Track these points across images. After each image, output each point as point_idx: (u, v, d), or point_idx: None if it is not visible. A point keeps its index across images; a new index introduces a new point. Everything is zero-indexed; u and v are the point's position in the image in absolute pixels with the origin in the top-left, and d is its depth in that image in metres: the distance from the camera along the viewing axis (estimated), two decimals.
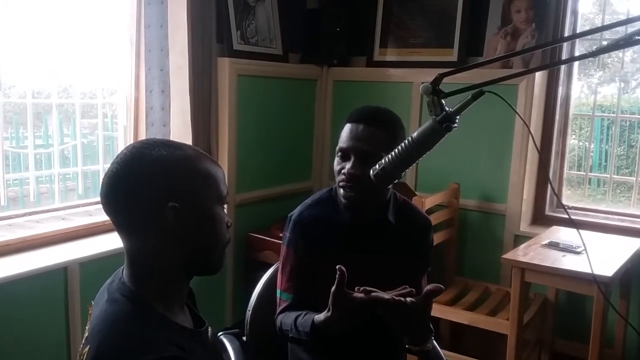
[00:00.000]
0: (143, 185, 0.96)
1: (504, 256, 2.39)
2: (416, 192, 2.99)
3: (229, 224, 1.08)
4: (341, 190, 1.51)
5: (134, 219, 0.98)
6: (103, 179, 1.00)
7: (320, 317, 1.34)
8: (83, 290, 2.27)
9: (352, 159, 1.47)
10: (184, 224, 0.98)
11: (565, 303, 2.91)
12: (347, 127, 1.50)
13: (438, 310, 2.60)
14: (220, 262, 1.07)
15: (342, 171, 1.49)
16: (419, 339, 1.31)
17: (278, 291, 1.59)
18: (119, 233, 1.01)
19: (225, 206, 1.10)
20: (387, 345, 1.59)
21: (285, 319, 1.50)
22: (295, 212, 1.59)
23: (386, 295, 1.24)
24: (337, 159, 1.52)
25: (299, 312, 1.47)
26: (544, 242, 2.47)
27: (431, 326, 1.35)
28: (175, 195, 0.97)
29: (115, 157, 1.01)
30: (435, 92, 1.08)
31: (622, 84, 3.14)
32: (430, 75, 1.09)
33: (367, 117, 1.49)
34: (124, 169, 0.98)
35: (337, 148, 1.51)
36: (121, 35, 2.68)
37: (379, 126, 1.47)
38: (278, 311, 1.57)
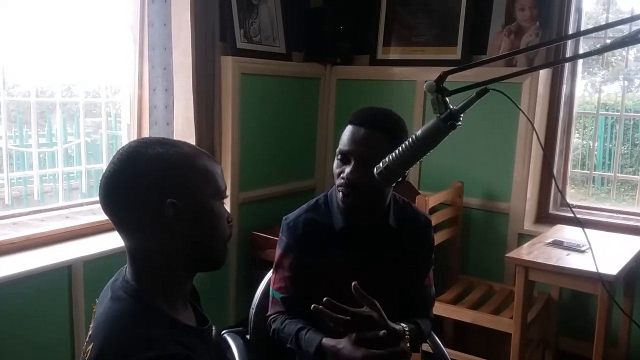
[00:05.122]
0: (141, 183, 0.97)
1: (508, 255, 2.38)
2: (419, 191, 2.99)
3: (230, 219, 1.08)
4: (339, 194, 1.45)
5: (133, 218, 0.98)
6: (101, 180, 1.00)
7: (329, 341, 1.34)
8: (87, 288, 2.28)
9: (352, 163, 1.40)
10: (184, 220, 0.98)
11: (569, 301, 2.90)
12: (349, 129, 1.43)
13: (442, 309, 2.60)
14: (223, 257, 1.07)
15: (342, 175, 1.42)
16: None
17: (271, 290, 1.58)
18: (120, 233, 1.01)
19: (227, 202, 1.10)
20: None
21: (285, 328, 1.47)
22: (290, 217, 1.56)
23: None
24: (336, 162, 1.45)
25: (301, 325, 1.44)
26: (547, 241, 2.47)
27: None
28: (174, 192, 0.97)
29: (112, 157, 1.01)
30: (439, 90, 1.08)
31: (626, 83, 3.13)
32: (433, 73, 1.08)
33: (370, 120, 1.42)
34: (121, 168, 0.98)
35: (337, 150, 1.44)
36: (125, 33, 2.67)
37: (383, 130, 1.39)
38: (271, 312, 1.55)
